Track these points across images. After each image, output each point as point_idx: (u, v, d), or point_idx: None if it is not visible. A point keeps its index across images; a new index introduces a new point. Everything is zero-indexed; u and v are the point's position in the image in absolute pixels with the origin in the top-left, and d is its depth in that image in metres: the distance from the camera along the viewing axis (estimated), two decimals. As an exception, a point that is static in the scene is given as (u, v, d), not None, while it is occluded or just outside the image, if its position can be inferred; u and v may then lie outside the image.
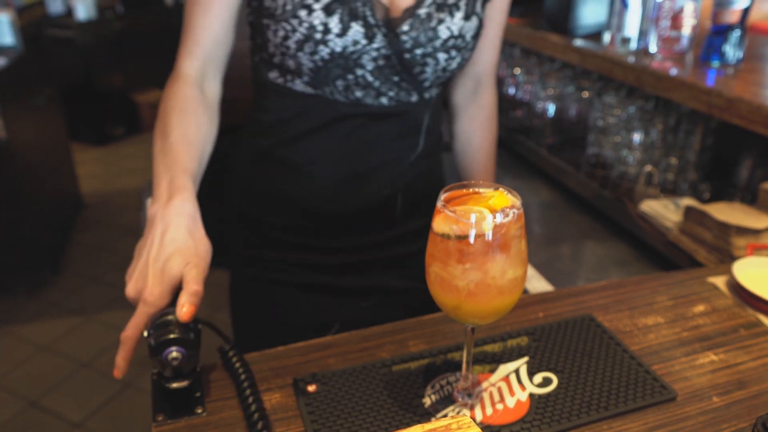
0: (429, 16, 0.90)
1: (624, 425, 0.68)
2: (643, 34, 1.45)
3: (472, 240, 0.59)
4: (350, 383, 0.73)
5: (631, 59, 1.37)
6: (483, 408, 0.70)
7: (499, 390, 0.73)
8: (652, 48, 1.38)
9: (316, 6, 0.85)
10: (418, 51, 0.90)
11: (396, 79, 0.93)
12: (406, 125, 0.98)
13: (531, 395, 0.72)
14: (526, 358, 0.78)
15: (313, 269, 1.04)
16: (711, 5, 1.29)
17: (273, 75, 0.95)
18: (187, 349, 0.66)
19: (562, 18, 1.65)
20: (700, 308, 0.89)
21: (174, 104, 0.87)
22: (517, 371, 0.76)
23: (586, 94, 1.68)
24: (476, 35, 0.96)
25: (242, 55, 1.02)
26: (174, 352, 0.65)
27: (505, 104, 1.98)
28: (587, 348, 0.79)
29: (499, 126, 1.94)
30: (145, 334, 0.67)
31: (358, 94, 0.93)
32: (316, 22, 0.85)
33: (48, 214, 3.09)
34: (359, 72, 0.90)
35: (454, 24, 0.92)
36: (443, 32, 0.91)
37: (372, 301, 1.08)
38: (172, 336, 0.65)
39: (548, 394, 0.72)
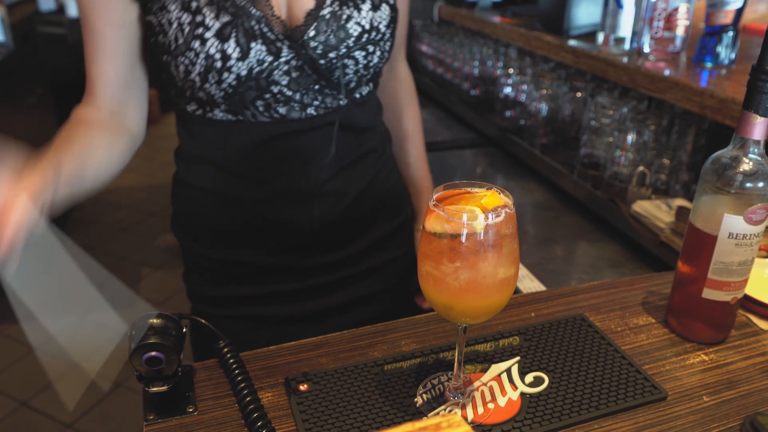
0: (334, 14, 0.84)
1: (615, 424, 0.68)
2: (636, 35, 1.45)
3: (464, 239, 0.59)
4: (342, 382, 0.73)
5: (625, 60, 1.37)
6: (474, 407, 0.70)
7: (491, 389, 0.73)
8: (646, 48, 1.38)
9: (208, 34, 0.80)
10: (332, 54, 0.85)
11: (317, 87, 0.87)
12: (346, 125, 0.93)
13: (522, 394, 0.72)
14: (517, 358, 0.78)
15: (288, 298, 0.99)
16: (704, 6, 1.29)
17: (191, 108, 0.89)
18: (166, 353, 0.65)
19: (556, 18, 1.65)
20: (691, 308, 0.89)
21: (69, 124, 0.85)
22: (508, 371, 0.76)
23: (579, 95, 1.68)
24: (391, 24, 0.90)
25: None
26: (152, 357, 0.65)
27: (499, 104, 1.98)
28: (579, 348, 0.80)
29: (493, 126, 1.96)
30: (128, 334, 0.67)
31: (282, 110, 0.87)
32: (213, 50, 0.80)
33: (40, 213, 3.06)
34: (275, 89, 0.85)
35: (363, 18, 0.85)
36: (354, 29, 0.85)
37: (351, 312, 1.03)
38: (150, 340, 0.65)
39: (539, 394, 0.72)
